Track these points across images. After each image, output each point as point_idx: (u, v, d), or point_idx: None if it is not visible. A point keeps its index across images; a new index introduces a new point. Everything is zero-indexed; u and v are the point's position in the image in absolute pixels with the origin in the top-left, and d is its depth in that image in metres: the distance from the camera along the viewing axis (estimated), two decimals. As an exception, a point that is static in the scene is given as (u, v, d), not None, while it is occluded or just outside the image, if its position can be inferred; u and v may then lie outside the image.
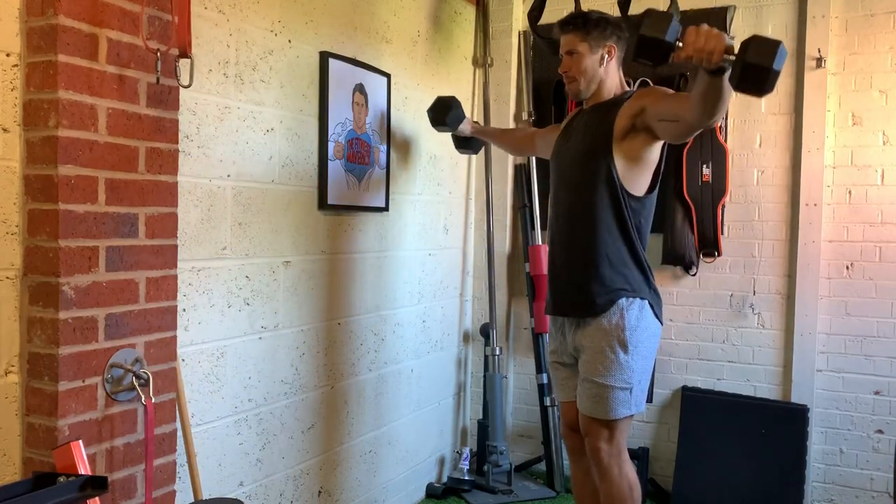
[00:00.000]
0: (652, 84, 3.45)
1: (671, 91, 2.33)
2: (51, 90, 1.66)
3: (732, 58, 1.80)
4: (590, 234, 2.36)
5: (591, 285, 2.34)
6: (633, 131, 2.30)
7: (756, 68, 1.73)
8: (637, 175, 2.34)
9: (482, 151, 3.79)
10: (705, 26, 1.83)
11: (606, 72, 2.42)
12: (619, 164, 2.31)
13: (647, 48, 1.88)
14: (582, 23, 2.41)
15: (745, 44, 1.77)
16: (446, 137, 3.58)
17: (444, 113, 3.09)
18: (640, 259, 2.37)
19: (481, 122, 3.80)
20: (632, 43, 1.95)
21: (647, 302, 2.36)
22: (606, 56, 2.40)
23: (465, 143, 3.27)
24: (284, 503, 2.60)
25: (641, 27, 1.89)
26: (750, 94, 1.84)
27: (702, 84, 1.93)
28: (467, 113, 3.76)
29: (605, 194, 2.33)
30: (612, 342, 2.31)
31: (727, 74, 1.84)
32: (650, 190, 2.37)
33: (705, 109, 1.99)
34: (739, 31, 3.39)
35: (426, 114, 3.17)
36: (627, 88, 2.47)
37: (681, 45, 1.85)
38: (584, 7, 3.30)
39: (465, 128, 3.13)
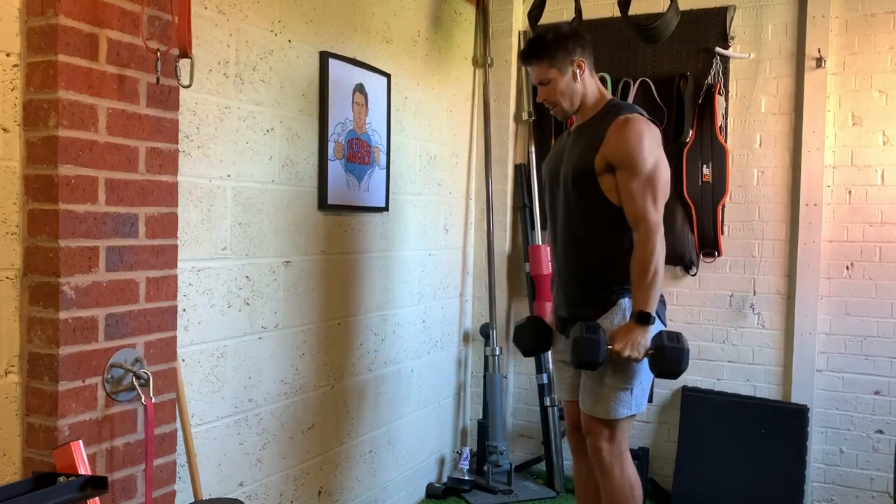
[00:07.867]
0: (652, 84, 3.46)
1: (635, 183, 2.24)
2: (51, 90, 1.66)
3: (652, 351, 2.26)
4: (585, 253, 2.38)
5: (590, 302, 2.36)
6: (612, 171, 2.30)
7: (669, 374, 2.28)
8: None
9: (482, 150, 3.80)
10: (619, 346, 2.23)
11: (584, 84, 2.40)
12: (607, 186, 2.31)
13: (587, 361, 2.25)
14: (543, 50, 2.37)
15: (660, 350, 2.24)
16: (446, 137, 3.58)
17: (539, 336, 2.59)
18: None
19: (481, 122, 3.80)
20: (574, 355, 2.27)
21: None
22: (578, 71, 2.38)
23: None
24: (284, 503, 2.60)
25: (579, 348, 2.24)
26: (666, 378, 2.32)
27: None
28: (466, 113, 3.76)
29: (598, 214, 2.33)
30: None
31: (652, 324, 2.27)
32: None
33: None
34: (739, 32, 3.39)
35: (517, 347, 2.63)
36: (609, 97, 2.45)
37: (611, 347, 2.25)
38: (585, 7, 3.30)
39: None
